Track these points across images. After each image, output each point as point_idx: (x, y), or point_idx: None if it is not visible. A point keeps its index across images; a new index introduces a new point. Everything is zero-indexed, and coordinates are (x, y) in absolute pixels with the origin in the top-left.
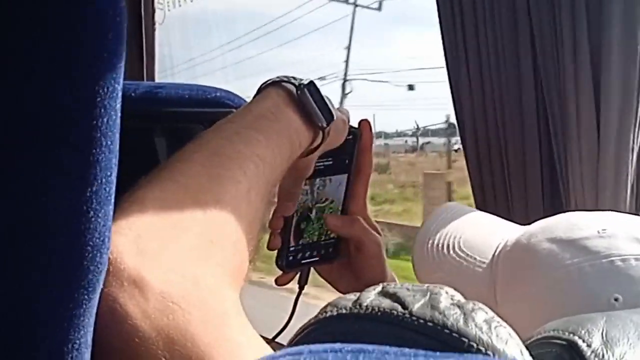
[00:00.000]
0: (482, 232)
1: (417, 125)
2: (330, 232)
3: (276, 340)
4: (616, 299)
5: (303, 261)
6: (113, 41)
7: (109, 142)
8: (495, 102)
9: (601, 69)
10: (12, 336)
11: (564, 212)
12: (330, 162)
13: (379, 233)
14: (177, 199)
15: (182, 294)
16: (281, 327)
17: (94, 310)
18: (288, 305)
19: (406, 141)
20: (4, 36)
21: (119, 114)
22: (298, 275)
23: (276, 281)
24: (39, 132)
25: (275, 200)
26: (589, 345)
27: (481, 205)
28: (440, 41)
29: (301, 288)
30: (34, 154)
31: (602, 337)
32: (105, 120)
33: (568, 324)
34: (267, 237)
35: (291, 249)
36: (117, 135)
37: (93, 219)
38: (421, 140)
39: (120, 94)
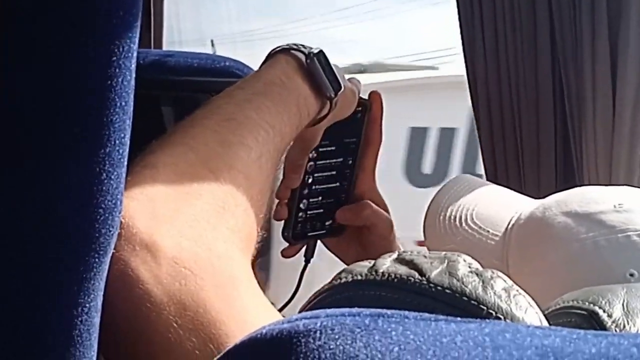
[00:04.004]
0: (495, 205)
1: None
2: (338, 204)
3: (282, 313)
4: (632, 274)
5: (310, 233)
6: None
7: (123, 103)
8: (510, 73)
9: (619, 44)
10: (23, 298)
11: (577, 187)
12: (339, 134)
13: (386, 209)
14: (189, 165)
15: (194, 259)
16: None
17: (105, 274)
18: None
19: None
20: None
21: (134, 75)
22: (304, 248)
23: (282, 253)
24: (52, 90)
25: (281, 172)
26: (609, 316)
27: (492, 179)
28: (456, 8)
29: (307, 261)
30: (47, 113)
31: (623, 308)
32: (120, 80)
33: (588, 294)
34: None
35: (298, 220)
36: (132, 97)
37: (106, 181)
38: None
39: (135, 54)
